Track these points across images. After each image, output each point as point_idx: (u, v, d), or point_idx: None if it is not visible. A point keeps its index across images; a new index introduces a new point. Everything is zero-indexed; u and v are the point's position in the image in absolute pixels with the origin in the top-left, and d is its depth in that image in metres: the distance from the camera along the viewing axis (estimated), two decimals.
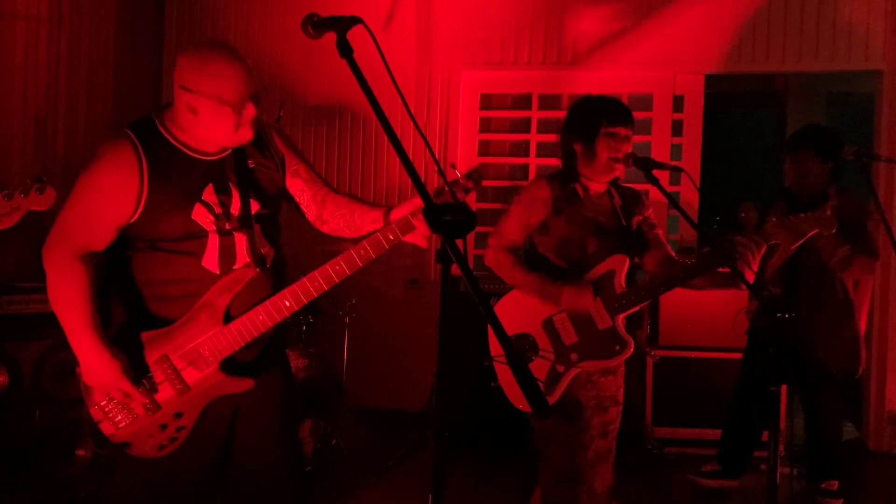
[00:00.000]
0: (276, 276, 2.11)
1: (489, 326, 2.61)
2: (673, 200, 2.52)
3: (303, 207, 2.25)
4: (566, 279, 2.57)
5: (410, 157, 1.55)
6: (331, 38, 1.67)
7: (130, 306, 2.05)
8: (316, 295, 2.04)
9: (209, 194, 2.02)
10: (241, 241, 2.05)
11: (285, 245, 2.22)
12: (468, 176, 2.14)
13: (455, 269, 1.48)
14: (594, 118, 2.61)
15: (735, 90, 6.49)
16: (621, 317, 2.57)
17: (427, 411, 4.80)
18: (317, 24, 1.69)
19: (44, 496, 3.40)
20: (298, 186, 2.22)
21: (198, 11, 5.60)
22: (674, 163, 2.78)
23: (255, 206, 2.08)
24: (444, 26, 5.24)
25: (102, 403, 2.01)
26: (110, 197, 1.95)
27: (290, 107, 5.19)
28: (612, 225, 2.67)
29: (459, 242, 1.43)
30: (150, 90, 5.50)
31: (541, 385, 2.55)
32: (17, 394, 3.56)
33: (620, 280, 2.58)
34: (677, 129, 5.06)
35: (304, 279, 2.03)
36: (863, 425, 4.88)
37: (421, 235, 2.03)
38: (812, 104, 7.04)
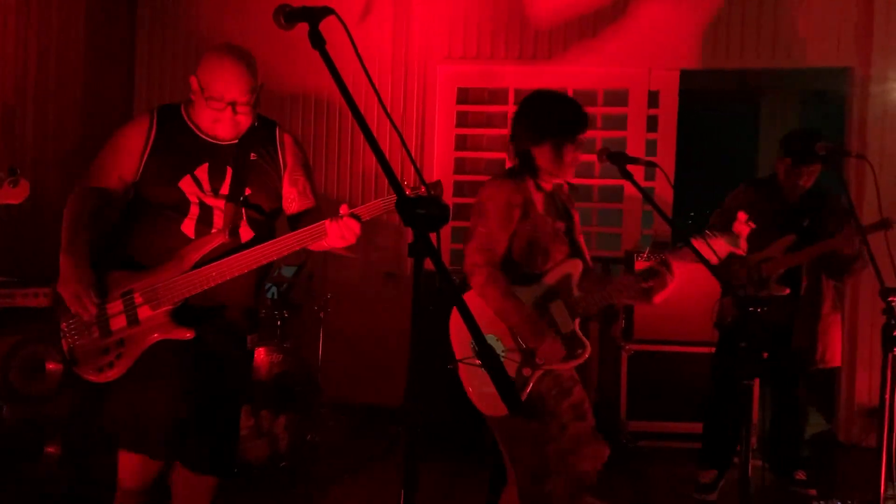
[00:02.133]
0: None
1: (451, 327, 2.60)
2: (647, 196, 2.54)
3: (287, 207, 2.51)
4: (546, 329, 2.52)
5: (386, 151, 1.53)
6: (306, 28, 1.65)
7: (122, 252, 2.38)
8: (261, 263, 2.29)
9: (202, 171, 2.34)
10: (218, 214, 2.33)
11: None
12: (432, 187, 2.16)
13: (428, 264, 1.47)
14: (563, 124, 2.56)
15: (710, 87, 6.54)
16: (578, 320, 2.58)
17: (403, 406, 4.79)
18: (289, 15, 1.68)
19: (12, 494, 3.35)
20: (291, 196, 2.47)
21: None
22: (648, 158, 2.81)
23: (246, 191, 2.36)
24: (422, 19, 5.22)
25: (70, 320, 2.31)
26: (119, 152, 2.37)
27: (264, 98, 5.13)
28: (565, 226, 2.66)
29: (433, 236, 1.42)
30: (121, 79, 5.42)
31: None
32: None
33: (576, 283, 2.58)
34: (652, 124, 5.09)
35: (254, 248, 2.28)
36: (833, 418, 4.96)
37: (335, 240, 2.19)
38: (785, 101, 7.13)
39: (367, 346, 5.14)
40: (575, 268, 2.59)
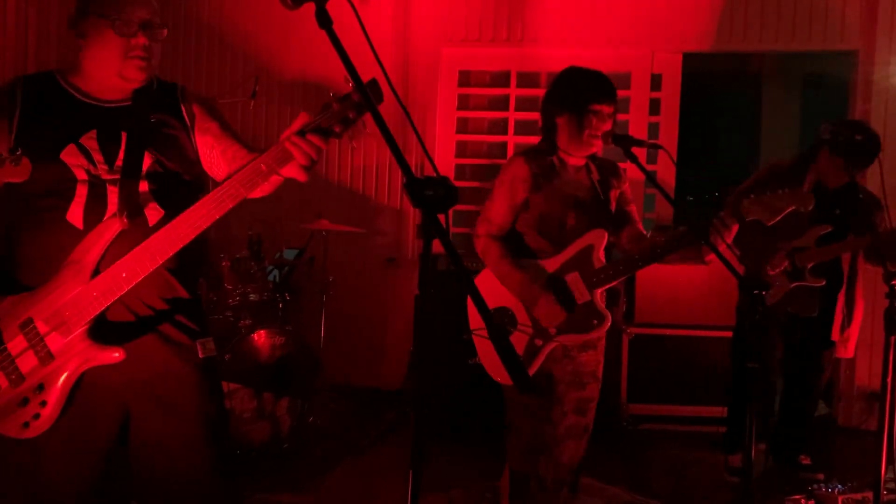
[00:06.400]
0: None
1: (468, 300, 2.62)
2: (651, 178, 2.53)
3: (211, 165, 2.07)
4: (545, 284, 2.56)
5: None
6: (308, 10, 1.63)
7: (7, 269, 1.94)
8: (183, 243, 1.84)
9: (89, 139, 1.90)
10: (113, 192, 1.88)
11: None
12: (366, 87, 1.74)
13: (435, 246, 1.47)
14: (581, 93, 2.57)
15: (712, 70, 6.51)
16: (599, 291, 2.57)
17: (404, 389, 4.81)
18: None
19: None
20: (208, 143, 2.04)
21: None
22: (653, 141, 2.77)
23: (147, 160, 1.93)
24: (423, 2, 5.18)
25: None
26: None
27: (264, 82, 5.12)
28: (591, 199, 2.65)
29: (441, 218, 1.41)
30: None
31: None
32: None
33: (599, 255, 2.58)
34: (655, 107, 5.07)
35: (167, 227, 1.85)
36: (833, 402, 4.98)
37: (298, 167, 1.83)
38: (788, 85, 7.09)
39: (368, 330, 5.16)
40: (598, 239, 2.58)
